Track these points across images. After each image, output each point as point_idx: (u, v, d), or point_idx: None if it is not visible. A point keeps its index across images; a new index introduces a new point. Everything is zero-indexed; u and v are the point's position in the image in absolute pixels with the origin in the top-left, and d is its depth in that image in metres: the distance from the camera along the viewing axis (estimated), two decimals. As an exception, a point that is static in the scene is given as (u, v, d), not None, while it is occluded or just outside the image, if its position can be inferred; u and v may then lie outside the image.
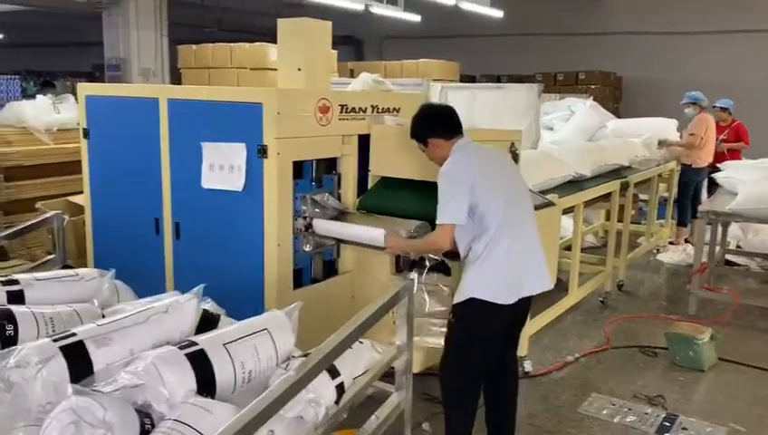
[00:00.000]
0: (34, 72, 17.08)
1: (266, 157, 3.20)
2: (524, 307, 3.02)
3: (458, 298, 2.88)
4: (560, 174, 4.73)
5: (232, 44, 8.17)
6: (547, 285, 3.02)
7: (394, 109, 3.92)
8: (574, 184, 4.86)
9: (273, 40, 5.12)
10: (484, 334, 2.90)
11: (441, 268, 3.40)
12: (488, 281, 2.83)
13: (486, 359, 2.99)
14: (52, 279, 2.54)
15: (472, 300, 2.82)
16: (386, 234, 3.21)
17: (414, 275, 3.14)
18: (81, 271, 2.70)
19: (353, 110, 3.63)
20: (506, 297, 2.84)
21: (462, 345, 2.90)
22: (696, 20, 11.96)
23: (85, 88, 4.00)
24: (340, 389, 2.08)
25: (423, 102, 3.21)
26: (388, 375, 2.51)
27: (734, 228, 6.92)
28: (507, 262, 2.85)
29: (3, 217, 4.95)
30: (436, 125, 3.06)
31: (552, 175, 4.67)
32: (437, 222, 2.88)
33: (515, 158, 3.88)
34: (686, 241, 7.42)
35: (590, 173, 5.09)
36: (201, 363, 1.88)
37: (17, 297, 2.37)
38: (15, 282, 2.41)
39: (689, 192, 7.42)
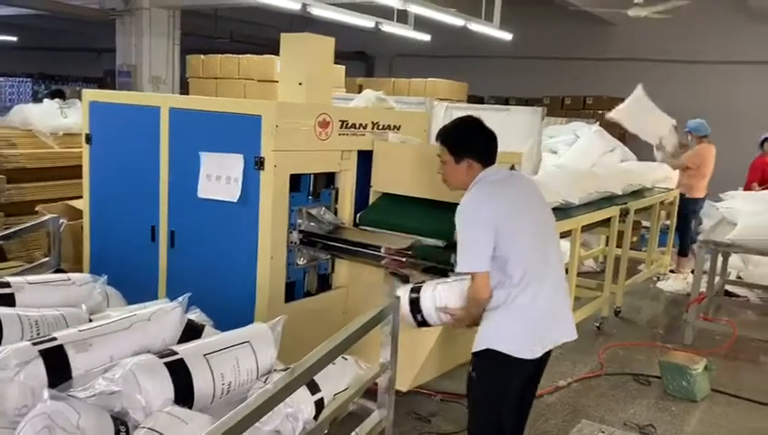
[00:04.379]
0: (47, 75, 17.27)
1: (263, 169, 3.22)
2: (546, 358, 2.73)
3: (476, 347, 2.63)
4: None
5: (240, 56, 8.25)
6: (572, 335, 2.75)
7: (395, 126, 3.93)
8: (562, 211, 4.80)
9: (280, 53, 5.09)
10: (506, 391, 2.66)
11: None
12: (510, 333, 2.57)
13: (510, 415, 2.75)
14: (44, 283, 2.55)
15: (490, 351, 2.57)
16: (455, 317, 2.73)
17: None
18: (73, 276, 2.71)
19: (354, 126, 3.64)
20: (530, 352, 2.60)
21: (486, 403, 2.68)
22: (705, 49, 11.98)
23: (89, 94, 4.03)
24: (320, 404, 2.08)
25: (470, 115, 2.85)
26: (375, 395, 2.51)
27: (734, 259, 6.88)
28: (532, 313, 2.59)
29: (3, 219, 4.96)
30: (482, 145, 2.69)
31: None
32: (466, 269, 2.57)
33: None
34: (692, 272, 7.39)
35: (579, 201, 5.01)
36: (180, 373, 1.89)
37: (7, 300, 2.38)
38: (7, 285, 2.43)
39: (688, 221, 7.39)
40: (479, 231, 2.54)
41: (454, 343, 3.42)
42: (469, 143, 2.70)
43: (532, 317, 2.59)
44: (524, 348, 2.57)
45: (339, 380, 2.20)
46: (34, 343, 1.86)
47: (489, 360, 2.57)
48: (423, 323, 2.79)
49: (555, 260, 2.74)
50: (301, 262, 3.57)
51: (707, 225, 6.43)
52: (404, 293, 2.82)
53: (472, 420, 2.74)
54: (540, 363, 2.70)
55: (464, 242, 2.56)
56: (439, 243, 3.35)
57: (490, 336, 2.58)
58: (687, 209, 7.31)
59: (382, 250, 3.41)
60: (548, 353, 2.71)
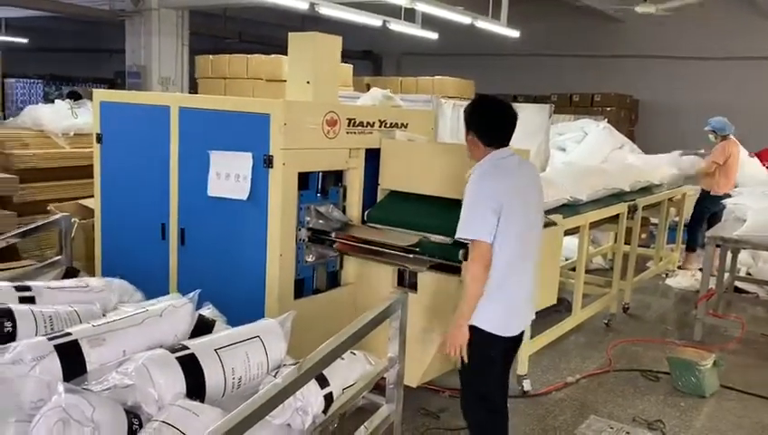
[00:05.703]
0: (58, 77, 17.37)
1: (272, 167, 3.25)
2: (521, 336, 2.99)
3: None
4: (552, 198, 4.49)
5: (248, 56, 8.28)
6: (533, 316, 3.05)
7: (402, 124, 3.96)
8: (570, 208, 4.78)
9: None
10: (490, 360, 2.83)
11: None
12: (492, 316, 2.74)
13: (497, 383, 2.93)
14: (61, 288, 2.58)
15: (473, 328, 2.73)
16: (446, 335, 2.82)
17: None
18: (91, 282, 2.70)
19: (361, 124, 3.67)
20: (509, 331, 2.81)
21: (473, 371, 2.82)
22: (715, 46, 11.94)
23: (100, 94, 4.08)
24: (329, 399, 2.10)
25: (493, 97, 2.92)
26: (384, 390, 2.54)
27: (744, 256, 6.86)
28: (513, 299, 2.79)
29: (16, 218, 5.02)
30: (482, 124, 2.80)
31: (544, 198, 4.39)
32: (465, 236, 2.68)
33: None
34: (700, 270, 7.36)
35: (586, 198, 4.98)
36: (191, 367, 1.92)
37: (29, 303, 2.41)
38: (28, 288, 2.47)
39: (702, 218, 7.36)
40: (484, 206, 2.65)
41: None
42: (475, 120, 2.82)
43: (512, 302, 2.80)
44: (504, 328, 2.79)
45: (348, 374, 2.23)
46: (50, 338, 1.90)
47: (475, 334, 2.74)
48: None
49: (535, 247, 2.90)
50: (309, 259, 3.59)
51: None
52: None
53: (463, 388, 2.93)
54: (517, 339, 2.93)
55: (467, 212, 2.68)
56: (447, 240, 3.36)
57: (477, 316, 2.73)
58: (705, 206, 7.28)
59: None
60: (522, 331, 2.97)
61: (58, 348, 1.87)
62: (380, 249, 3.50)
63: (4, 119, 6.60)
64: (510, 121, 2.81)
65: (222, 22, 13.44)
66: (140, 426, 1.79)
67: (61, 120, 5.78)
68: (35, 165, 5.51)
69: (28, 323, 2.15)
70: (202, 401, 1.92)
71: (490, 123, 2.80)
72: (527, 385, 4.21)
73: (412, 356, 3.05)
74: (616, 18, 12.32)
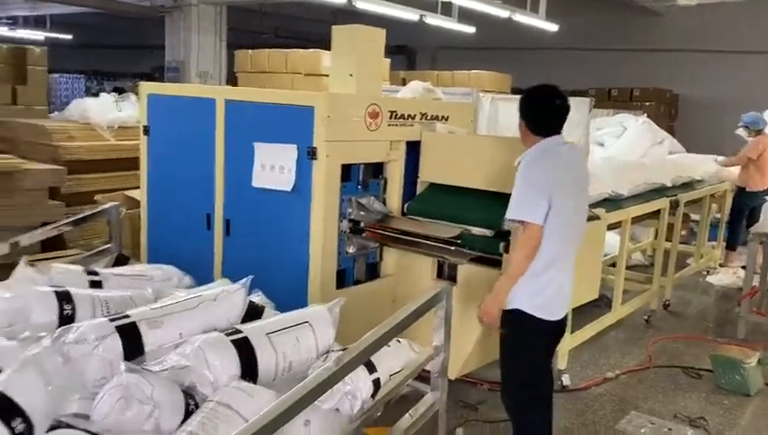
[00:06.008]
0: (99, 72, 17.75)
1: (316, 159, 3.30)
2: (565, 321, 3.07)
3: (507, 306, 2.85)
4: (594, 191, 4.41)
5: (287, 50, 8.35)
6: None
7: (443, 117, 3.97)
8: (612, 202, 4.73)
9: (327, 47, 5.38)
10: (533, 343, 2.91)
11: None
12: (537, 300, 2.80)
13: (539, 370, 3.00)
14: (125, 275, 2.68)
15: (518, 311, 2.80)
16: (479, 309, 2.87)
17: None
18: (149, 271, 2.79)
19: (402, 116, 3.69)
20: (552, 315, 2.88)
21: (516, 354, 2.91)
22: (756, 39, 11.66)
23: (147, 87, 4.17)
24: (377, 384, 2.14)
25: (547, 84, 2.92)
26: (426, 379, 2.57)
27: (789, 253, 6.70)
28: (560, 281, 2.86)
29: (65, 208, 5.17)
30: (532, 113, 2.86)
31: None
32: (517, 217, 2.71)
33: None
34: (743, 268, 7.22)
35: (628, 193, 4.93)
36: (245, 350, 1.97)
37: (96, 287, 2.53)
38: (96, 273, 2.59)
39: (741, 215, 7.22)
40: (537, 190, 2.70)
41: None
42: (525, 107, 2.89)
43: (556, 287, 2.84)
44: (548, 312, 2.85)
45: (394, 361, 2.26)
46: (111, 320, 1.97)
47: (517, 317, 2.81)
48: None
49: (579, 234, 2.96)
50: (350, 250, 3.63)
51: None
52: None
53: (504, 381, 2.97)
54: (561, 324, 2.99)
55: (520, 194, 2.72)
56: (487, 232, 3.37)
57: (520, 299, 2.79)
58: (742, 202, 7.15)
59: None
60: (566, 316, 3.03)
61: (119, 329, 1.94)
62: (421, 241, 3.53)
63: (50, 113, 6.77)
64: (560, 112, 2.87)
65: (259, 17, 13.57)
66: (196, 406, 1.85)
67: (106, 113, 5.92)
68: (82, 157, 5.66)
69: (86, 306, 2.23)
70: (254, 383, 1.97)
71: (539, 113, 2.87)
72: (566, 380, 4.20)
73: (451, 349, 3.07)
74: (656, 11, 12.10)
